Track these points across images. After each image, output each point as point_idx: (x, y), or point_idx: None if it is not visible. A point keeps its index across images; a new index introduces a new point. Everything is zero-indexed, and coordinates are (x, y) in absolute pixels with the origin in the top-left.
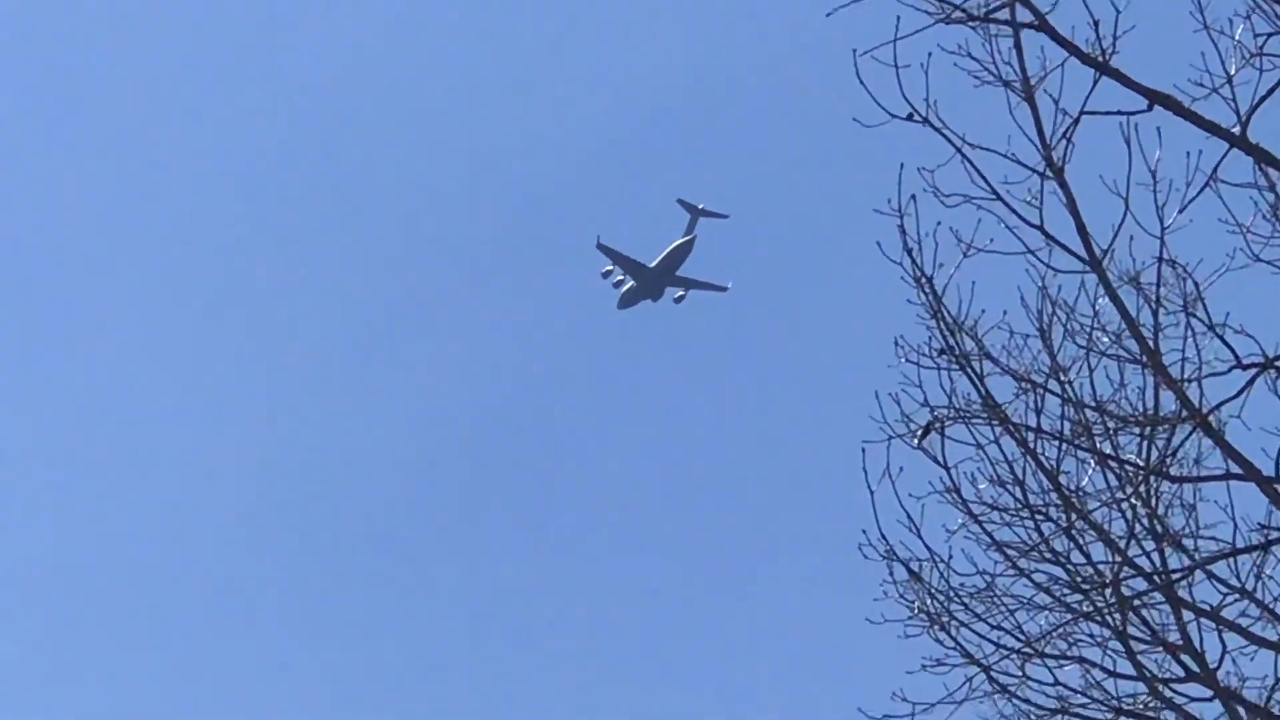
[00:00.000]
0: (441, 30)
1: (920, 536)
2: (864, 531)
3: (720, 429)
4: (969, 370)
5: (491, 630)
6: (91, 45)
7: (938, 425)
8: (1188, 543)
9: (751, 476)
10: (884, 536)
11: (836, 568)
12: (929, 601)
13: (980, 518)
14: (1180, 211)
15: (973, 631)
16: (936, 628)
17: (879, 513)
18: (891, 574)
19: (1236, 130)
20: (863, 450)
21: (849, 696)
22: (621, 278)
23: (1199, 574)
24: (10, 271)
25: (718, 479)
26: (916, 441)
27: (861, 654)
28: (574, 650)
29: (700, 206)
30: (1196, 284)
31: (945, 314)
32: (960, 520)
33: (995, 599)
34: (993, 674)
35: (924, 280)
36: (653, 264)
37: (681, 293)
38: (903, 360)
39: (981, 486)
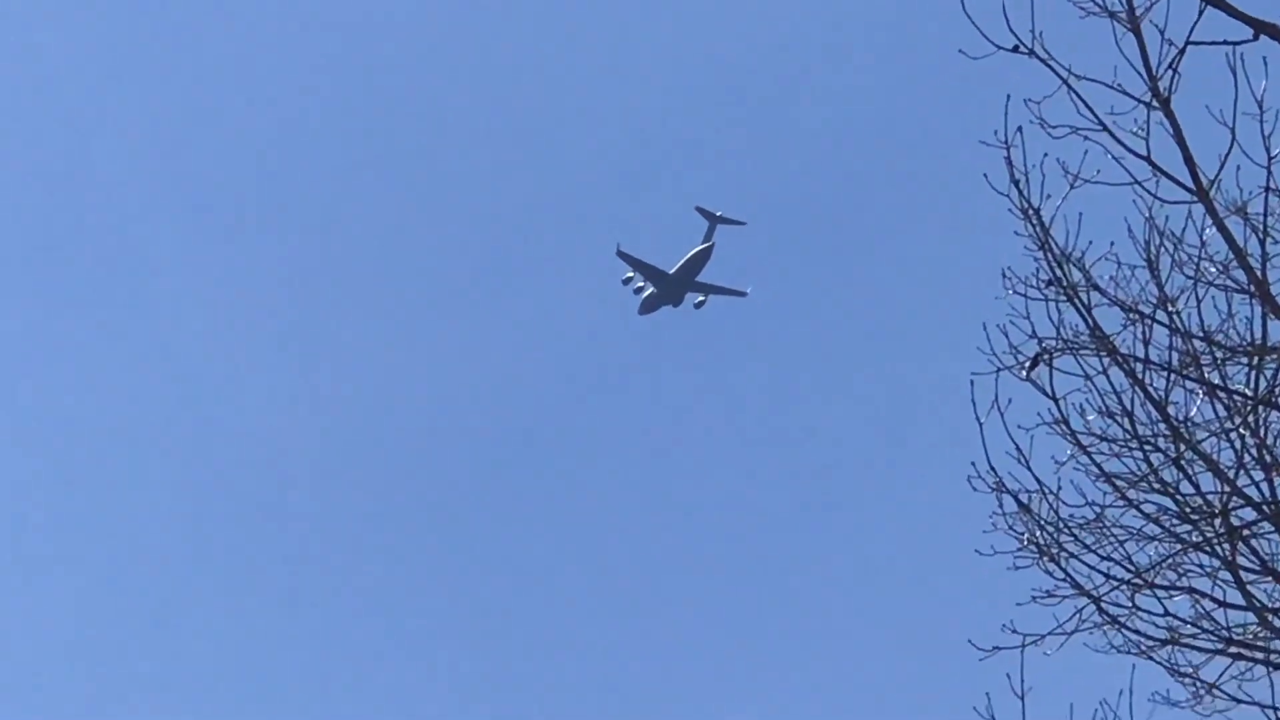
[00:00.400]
0: (460, 37)
1: (1029, 468)
2: (973, 464)
3: (818, 380)
4: (1077, 301)
5: (611, 590)
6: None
7: (1046, 357)
8: None
9: (858, 410)
10: (993, 468)
11: (945, 500)
12: (1038, 533)
13: (1089, 449)
14: None
15: (1082, 563)
16: (1046, 559)
17: (988, 444)
18: (1001, 506)
19: None
20: (971, 382)
21: (958, 628)
22: (642, 284)
23: None
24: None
25: (822, 421)
26: (1025, 373)
27: (971, 586)
28: (689, 595)
29: (718, 213)
30: None
31: (1053, 245)
32: (1069, 451)
33: (1104, 530)
34: (1102, 605)
35: (1031, 212)
36: (672, 270)
37: (702, 298)
38: (1010, 292)
39: (1090, 418)
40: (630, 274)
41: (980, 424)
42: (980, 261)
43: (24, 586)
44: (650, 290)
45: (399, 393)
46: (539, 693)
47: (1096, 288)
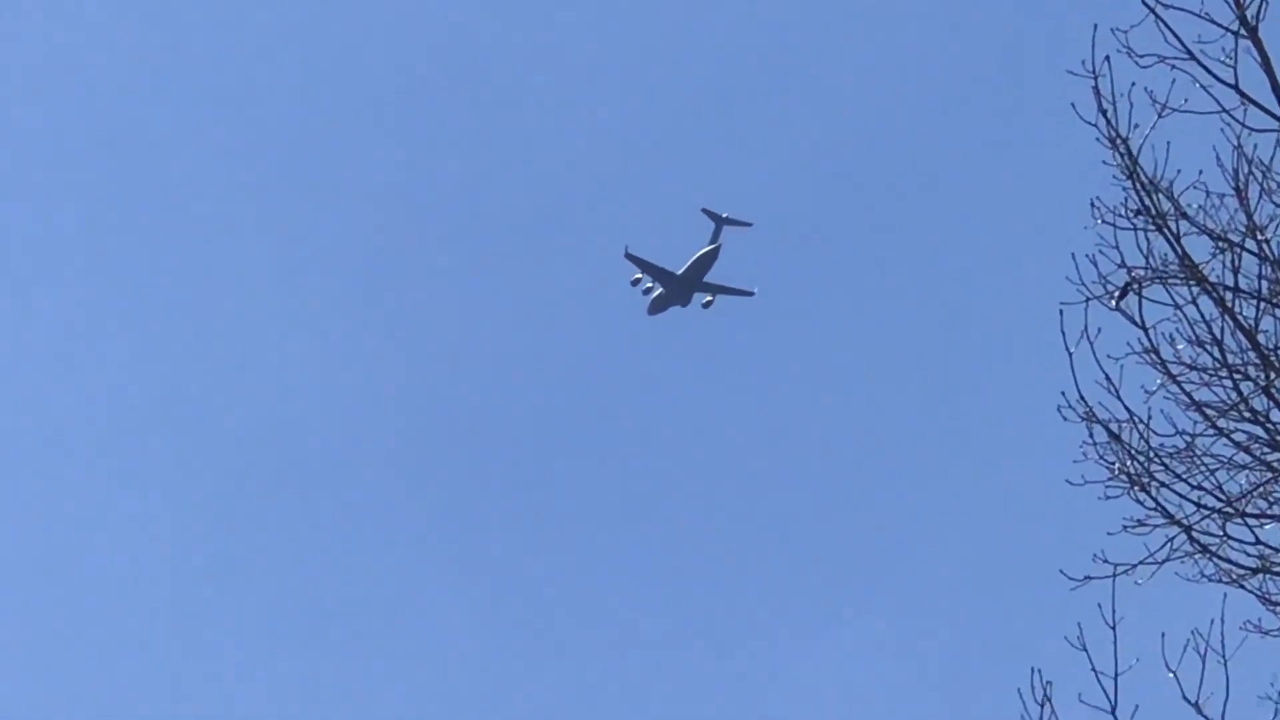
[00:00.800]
0: (470, 39)
1: (1119, 397)
2: (1063, 393)
3: (918, 303)
4: (1165, 230)
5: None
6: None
7: (1135, 286)
8: None
9: (949, 342)
10: (1083, 398)
11: (1036, 430)
12: (1129, 462)
13: (1179, 378)
14: None
15: (1173, 491)
16: (1137, 488)
17: (1078, 374)
18: (1091, 435)
19: None
20: (1060, 312)
21: (1050, 558)
22: (651, 285)
23: None
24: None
25: (918, 345)
26: (1114, 303)
27: (1061, 516)
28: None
29: (725, 215)
30: None
31: (1141, 174)
32: (1159, 381)
33: (1195, 459)
34: (1193, 534)
35: (1119, 141)
36: (680, 271)
37: (709, 298)
38: (1099, 221)
39: (1180, 347)
40: (639, 275)
41: (1070, 354)
42: (1068, 191)
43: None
44: (659, 291)
45: (410, 392)
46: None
47: (1185, 216)
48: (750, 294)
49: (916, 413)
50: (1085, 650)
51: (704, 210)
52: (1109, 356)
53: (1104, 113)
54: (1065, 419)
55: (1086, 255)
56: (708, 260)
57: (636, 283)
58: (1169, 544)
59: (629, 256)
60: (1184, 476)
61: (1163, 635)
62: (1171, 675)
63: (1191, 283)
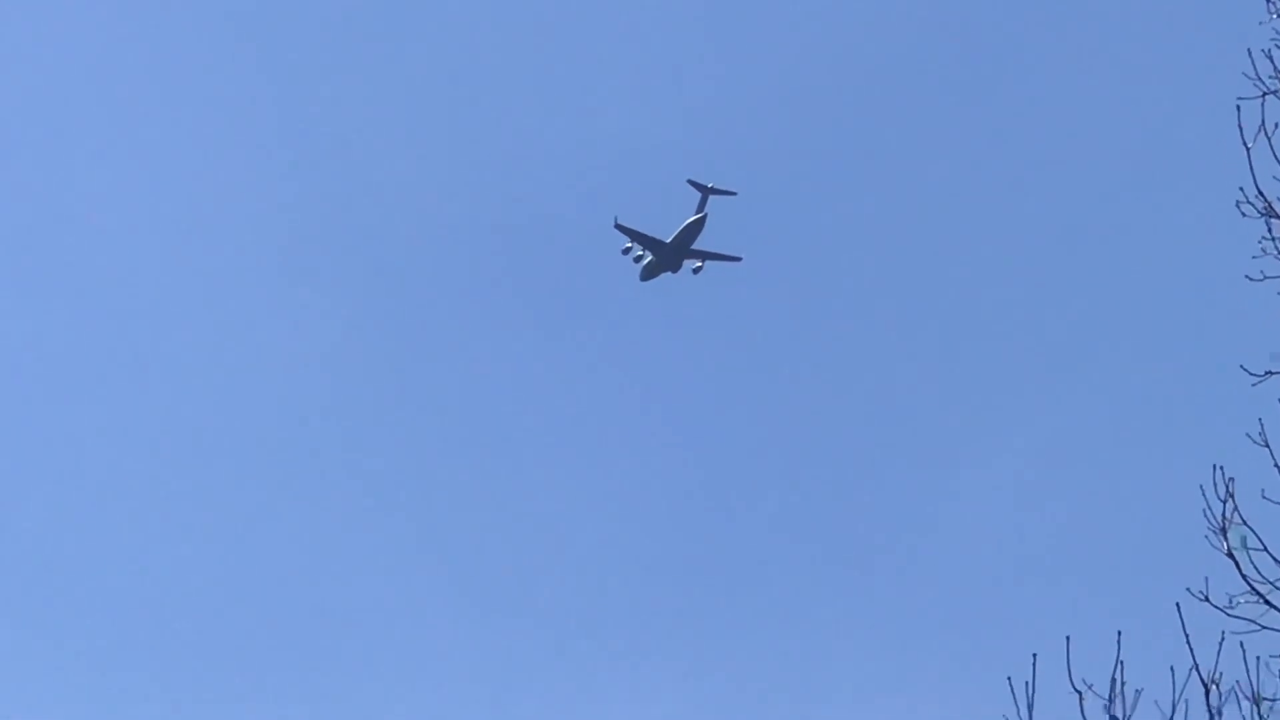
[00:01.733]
0: (458, 22)
1: None
2: (1241, 189)
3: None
4: None
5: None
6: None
7: None
8: None
9: (1119, 142)
10: (1261, 193)
11: (1215, 226)
12: None
13: None
14: None
15: None
16: None
17: (1256, 169)
18: (1270, 231)
19: None
20: (1238, 108)
21: (1230, 354)
22: (641, 253)
23: None
24: None
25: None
26: None
27: (1242, 311)
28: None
29: (710, 185)
30: None
31: None
32: None
33: None
34: None
35: None
36: (669, 240)
37: (699, 264)
38: (1274, 16)
39: None
40: (629, 244)
41: (1248, 149)
42: None
43: None
44: (649, 259)
45: (413, 380)
46: None
47: None
48: (737, 260)
49: (1101, 214)
50: (1267, 446)
51: (690, 181)
52: None
53: None
54: (1244, 214)
55: (1262, 50)
56: (695, 229)
57: (627, 251)
58: None
59: (619, 227)
60: None
61: None
62: None
63: None
